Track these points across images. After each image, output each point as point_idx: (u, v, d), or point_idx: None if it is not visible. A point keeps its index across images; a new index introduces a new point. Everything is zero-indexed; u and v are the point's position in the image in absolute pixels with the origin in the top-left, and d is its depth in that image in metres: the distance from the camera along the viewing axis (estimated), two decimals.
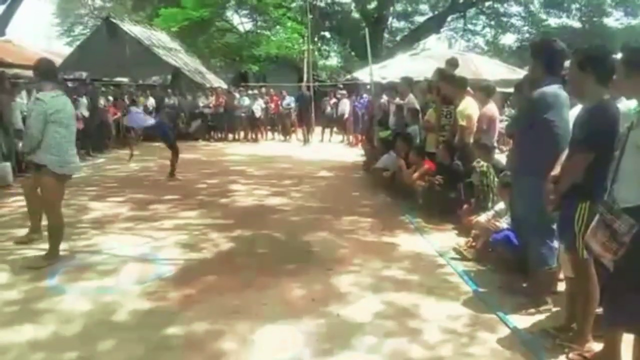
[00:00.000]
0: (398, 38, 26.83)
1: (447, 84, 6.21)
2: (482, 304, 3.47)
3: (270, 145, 14.41)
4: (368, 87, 12.46)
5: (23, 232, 5.16)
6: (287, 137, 15.54)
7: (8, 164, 7.74)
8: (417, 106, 7.62)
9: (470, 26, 26.80)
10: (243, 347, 2.90)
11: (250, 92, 15.91)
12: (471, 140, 5.65)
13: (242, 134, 15.35)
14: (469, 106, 5.75)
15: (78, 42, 24.26)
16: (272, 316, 3.26)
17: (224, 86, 18.91)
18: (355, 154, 12.18)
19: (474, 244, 4.44)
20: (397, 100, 8.34)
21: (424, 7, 26.23)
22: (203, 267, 4.21)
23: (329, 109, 15.18)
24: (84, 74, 16.29)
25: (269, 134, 15.91)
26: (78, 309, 3.35)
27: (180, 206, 6.49)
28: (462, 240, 4.73)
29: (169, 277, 3.97)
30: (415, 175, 6.29)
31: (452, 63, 7.28)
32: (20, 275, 3.96)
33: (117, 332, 3.05)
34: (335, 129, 15.40)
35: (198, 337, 3.01)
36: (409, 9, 26.35)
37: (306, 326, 3.13)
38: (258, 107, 14.97)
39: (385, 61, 12.76)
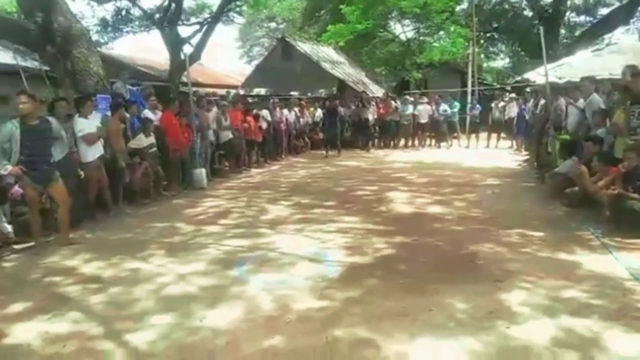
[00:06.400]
0: (577, 33, 23.99)
1: None
2: None
3: (431, 152, 14.20)
4: (528, 89, 11.66)
5: (215, 228, 6.02)
6: (449, 144, 15.11)
7: (204, 170, 9.06)
8: (604, 107, 6.78)
9: None
10: (404, 355, 2.89)
11: (411, 99, 15.90)
12: None
13: (402, 141, 15.47)
14: None
15: (255, 62, 27.29)
16: (435, 326, 3.21)
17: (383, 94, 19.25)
18: (522, 161, 11.34)
19: None
20: (581, 101, 7.51)
21: None
22: (366, 270, 4.34)
23: (497, 113, 14.33)
24: (263, 91, 18.27)
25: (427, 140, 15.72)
26: (257, 300, 3.75)
27: (343, 211, 6.80)
28: None
29: (335, 278, 4.19)
30: (601, 183, 5.57)
31: None
32: (214, 265, 4.61)
33: (287, 326, 3.31)
34: (503, 134, 14.48)
35: (362, 338, 3.09)
36: (591, 0, 23.38)
37: (471, 343, 2.98)
38: (425, 114, 14.96)
39: (562, 59, 11.53)
